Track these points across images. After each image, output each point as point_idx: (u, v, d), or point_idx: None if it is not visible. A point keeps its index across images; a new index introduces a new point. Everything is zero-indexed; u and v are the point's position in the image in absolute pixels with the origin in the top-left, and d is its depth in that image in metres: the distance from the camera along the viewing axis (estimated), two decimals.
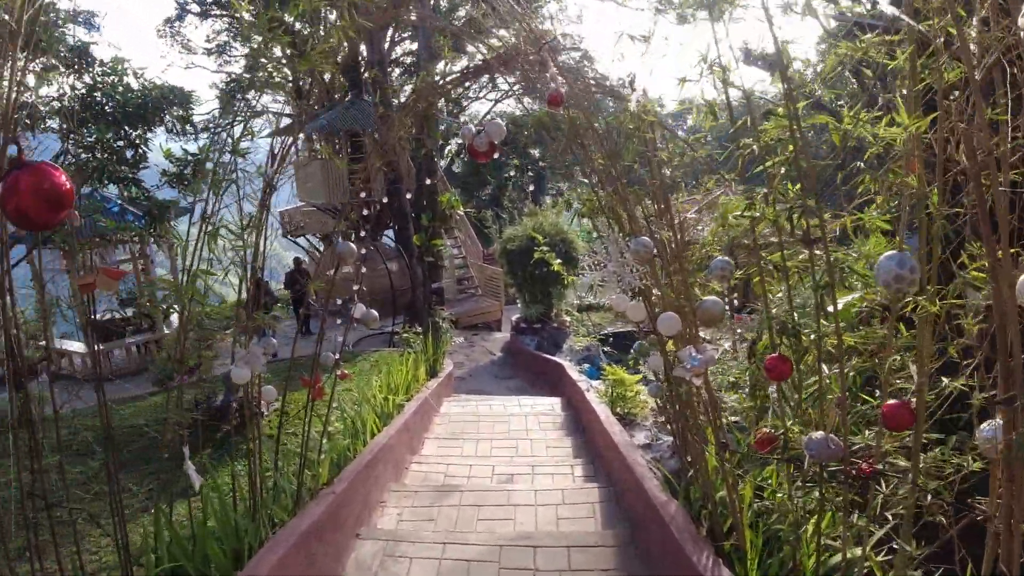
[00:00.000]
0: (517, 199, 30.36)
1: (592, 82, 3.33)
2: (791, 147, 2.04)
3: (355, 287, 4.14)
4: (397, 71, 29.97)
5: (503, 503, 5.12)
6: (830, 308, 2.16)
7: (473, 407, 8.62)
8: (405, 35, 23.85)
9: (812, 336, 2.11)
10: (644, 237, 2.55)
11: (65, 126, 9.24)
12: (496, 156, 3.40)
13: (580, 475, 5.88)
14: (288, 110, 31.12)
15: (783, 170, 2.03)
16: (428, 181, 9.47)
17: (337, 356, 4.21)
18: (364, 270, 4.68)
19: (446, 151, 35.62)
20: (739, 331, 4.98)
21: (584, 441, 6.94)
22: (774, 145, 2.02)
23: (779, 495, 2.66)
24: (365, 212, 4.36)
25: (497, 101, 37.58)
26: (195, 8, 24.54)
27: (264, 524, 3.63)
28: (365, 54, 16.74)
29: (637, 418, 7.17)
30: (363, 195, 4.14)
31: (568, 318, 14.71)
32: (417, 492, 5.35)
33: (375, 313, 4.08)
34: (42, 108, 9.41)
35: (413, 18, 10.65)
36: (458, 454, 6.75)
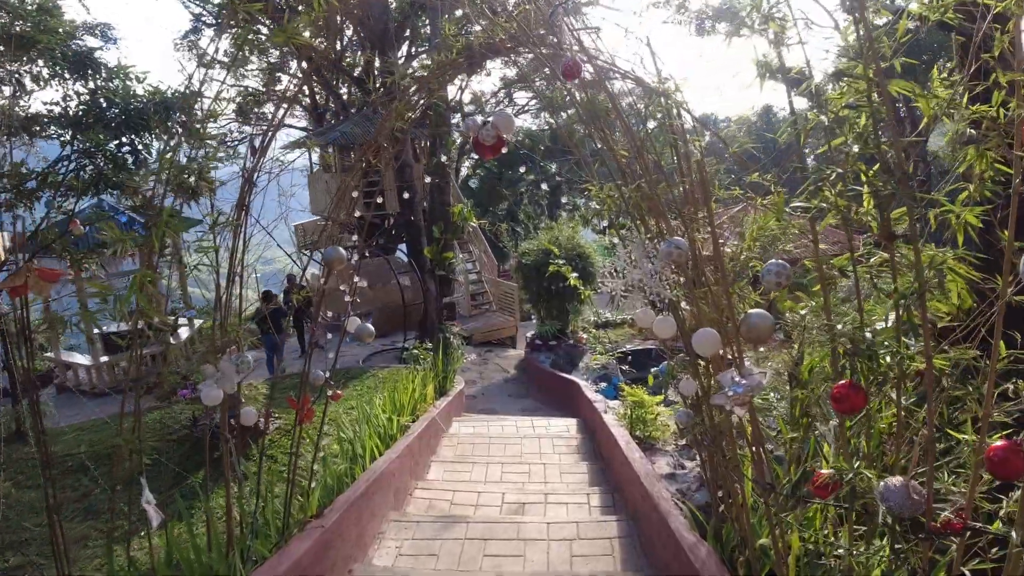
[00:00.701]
0: (533, 214, 30.03)
1: (610, 66, 2.93)
2: (863, 119, 1.61)
3: (347, 298, 3.75)
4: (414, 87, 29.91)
5: (512, 537, 4.66)
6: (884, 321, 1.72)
7: (484, 428, 8.19)
8: (422, 49, 23.72)
9: (893, 358, 1.68)
10: (678, 238, 2.13)
11: (70, 132, 9.03)
12: (504, 151, 3.00)
13: (597, 505, 5.41)
14: (304, 124, 31.20)
15: (856, 148, 1.61)
16: (429, 179, 9.06)
17: (327, 375, 3.80)
18: (362, 282, 4.30)
19: (462, 169, 35.49)
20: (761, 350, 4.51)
21: (601, 467, 6.47)
22: (846, 116, 1.61)
23: (839, 550, 2.19)
24: (358, 215, 3.97)
25: (514, 116, 37.44)
26: (210, 20, 24.63)
27: (239, 562, 3.22)
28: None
29: (658, 442, 6.70)
30: (355, 195, 3.76)
31: (585, 335, 14.25)
32: (419, 523, 4.91)
33: (370, 328, 3.68)
34: (44, 114, 9.22)
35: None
36: (466, 479, 6.31)
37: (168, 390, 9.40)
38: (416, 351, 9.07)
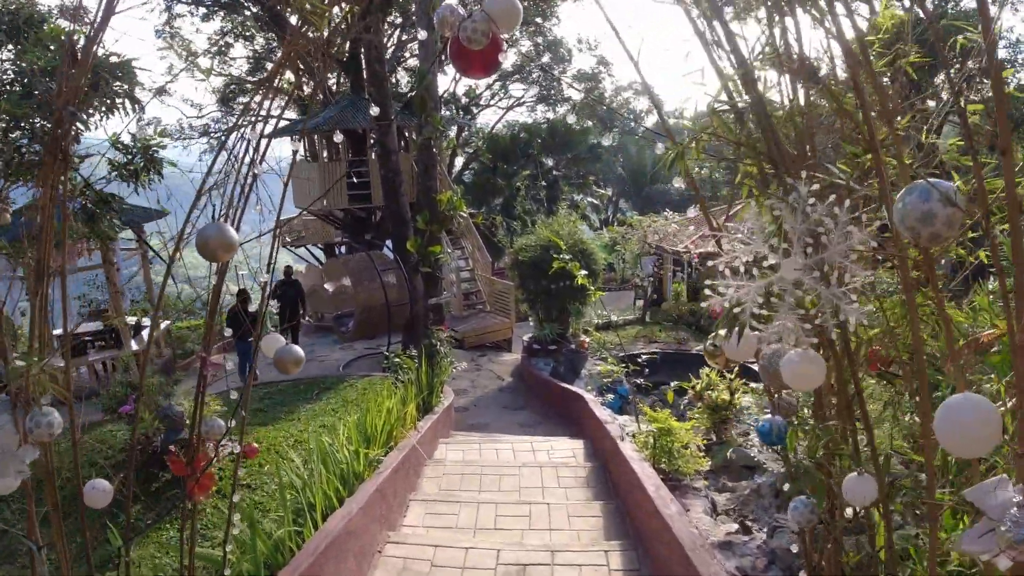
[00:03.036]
0: (533, 210, 28.80)
1: None
2: None
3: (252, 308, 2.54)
4: (407, 77, 28.72)
5: None
6: None
7: (475, 452, 6.96)
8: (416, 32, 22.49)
9: None
10: (941, 180, 0.91)
11: None
12: (502, 57, 1.78)
13: (619, 569, 4.21)
14: (289, 114, 29.96)
15: None
16: (407, 143, 7.76)
17: (231, 424, 2.56)
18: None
19: (455, 163, 34.26)
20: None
21: (618, 507, 5.27)
22: None
23: None
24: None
25: (508, 109, 36.31)
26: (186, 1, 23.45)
27: None
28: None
29: (686, 478, 5.50)
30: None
31: (587, 339, 13.02)
32: None
33: (298, 352, 2.44)
34: None
35: None
36: (451, 525, 5.09)
37: (113, 402, 8.17)
38: (399, 359, 7.85)
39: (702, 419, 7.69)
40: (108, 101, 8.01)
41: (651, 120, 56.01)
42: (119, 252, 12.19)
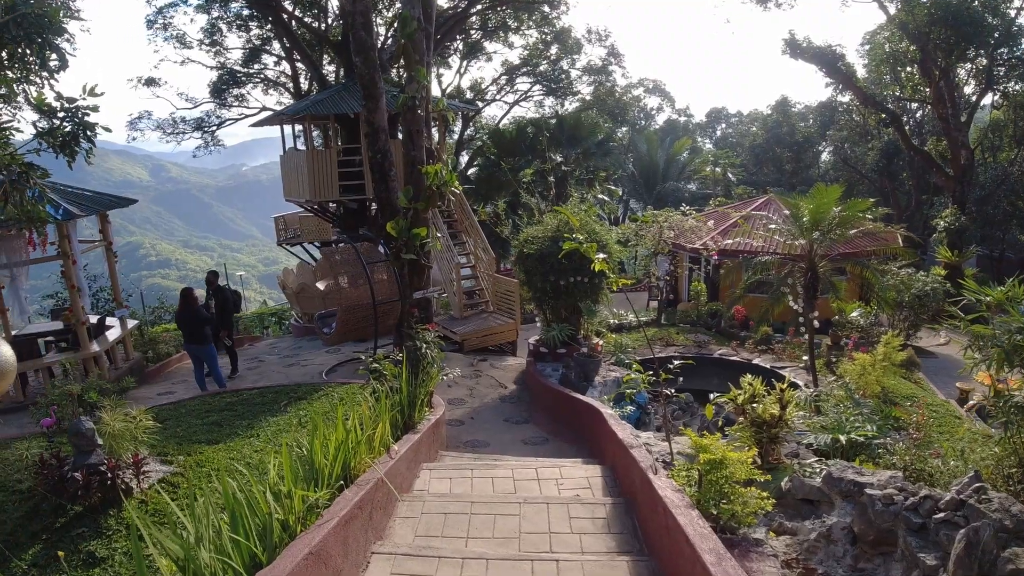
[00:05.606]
0: (537, 207, 27.41)
1: None
2: None
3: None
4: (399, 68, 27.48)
5: None
6: None
7: (466, 482, 5.55)
8: None
9: None
10: None
11: None
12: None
13: None
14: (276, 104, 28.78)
15: None
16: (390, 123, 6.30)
17: None
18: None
19: (462, 155, 32.93)
20: None
21: (651, 569, 3.86)
22: None
23: None
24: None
25: (515, 103, 34.98)
26: None
27: None
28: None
29: (742, 525, 4.09)
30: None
31: (601, 341, 11.59)
32: None
33: None
34: None
35: None
36: None
37: (44, 413, 6.90)
38: (378, 365, 6.45)
39: (744, 437, 6.29)
40: (33, 57, 6.52)
41: (662, 118, 54.48)
42: (76, 244, 10.82)
